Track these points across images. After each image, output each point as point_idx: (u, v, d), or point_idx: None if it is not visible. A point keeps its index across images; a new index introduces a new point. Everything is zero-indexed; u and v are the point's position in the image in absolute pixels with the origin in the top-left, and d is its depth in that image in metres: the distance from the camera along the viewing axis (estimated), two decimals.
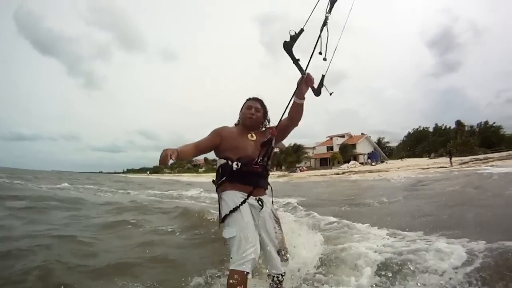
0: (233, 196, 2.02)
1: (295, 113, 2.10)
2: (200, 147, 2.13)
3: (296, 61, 2.00)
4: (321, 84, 2.03)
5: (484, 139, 39.29)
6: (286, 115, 2.13)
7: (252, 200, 2.04)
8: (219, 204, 2.11)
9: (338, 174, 31.87)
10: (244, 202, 2.00)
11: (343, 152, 46.41)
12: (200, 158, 79.66)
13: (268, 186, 2.24)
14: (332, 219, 5.28)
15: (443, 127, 47.16)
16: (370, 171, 27.99)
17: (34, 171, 78.46)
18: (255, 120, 2.28)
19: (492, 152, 31.32)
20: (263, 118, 2.33)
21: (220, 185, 2.12)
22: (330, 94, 2.03)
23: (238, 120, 2.38)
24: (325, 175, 31.66)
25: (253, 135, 2.22)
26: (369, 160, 42.68)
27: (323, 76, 2.02)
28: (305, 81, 1.98)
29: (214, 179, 2.20)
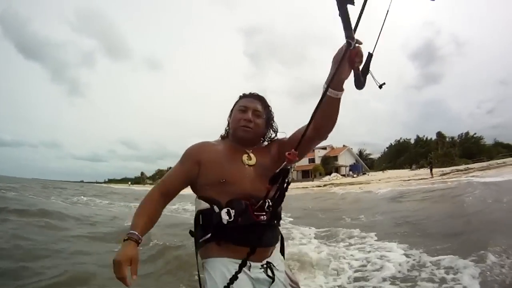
0: (223, 268, 1.20)
1: (327, 115, 1.16)
2: (170, 192, 1.31)
3: (343, 4, 0.94)
4: (366, 69, 1.03)
5: (465, 149, 40.00)
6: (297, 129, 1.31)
7: (255, 269, 1.21)
8: (199, 279, 1.29)
9: (319, 186, 31.90)
10: (240, 274, 1.12)
11: (325, 164, 46.21)
12: None
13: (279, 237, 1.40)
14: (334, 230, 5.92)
15: (425, 139, 47.73)
16: (352, 183, 27.94)
17: (16, 178, 74.38)
18: (254, 131, 1.39)
19: (473, 163, 31.54)
20: (265, 127, 1.45)
21: (201, 245, 1.27)
22: (380, 86, 1.06)
23: (226, 130, 1.48)
24: (307, 187, 31.75)
25: (251, 155, 1.35)
26: (350, 172, 42.48)
27: (369, 56, 1.03)
28: (350, 56, 0.99)
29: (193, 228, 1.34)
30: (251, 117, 1.37)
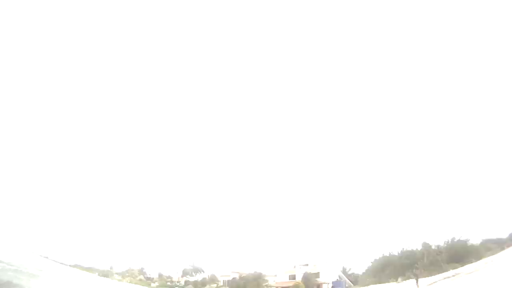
0: None
1: None
2: None
3: None
4: None
5: (452, 254, 37.42)
6: None
7: None
8: None
9: None
10: None
11: (306, 282, 42.08)
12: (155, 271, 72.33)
13: None
14: None
15: (410, 250, 45.19)
16: None
17: None
18: None
19: (461, 266, 30.50)
20: None
21: None
22: None
23: None
24: None
25: None
26: None
27: None
28: None
29: None
30: None
